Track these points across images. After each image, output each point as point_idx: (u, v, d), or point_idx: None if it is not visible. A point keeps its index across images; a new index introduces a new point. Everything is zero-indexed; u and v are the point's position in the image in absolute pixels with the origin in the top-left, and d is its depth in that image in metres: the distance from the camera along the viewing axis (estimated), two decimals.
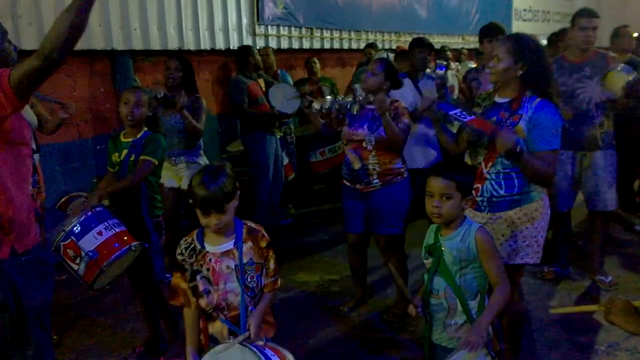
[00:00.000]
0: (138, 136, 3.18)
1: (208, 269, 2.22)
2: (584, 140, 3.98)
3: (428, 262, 2.32)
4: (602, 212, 4.15)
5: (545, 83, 2.62)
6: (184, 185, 4.22)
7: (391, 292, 4.06)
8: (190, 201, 2.17)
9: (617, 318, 1.89)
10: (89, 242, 2.85)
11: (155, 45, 5.53)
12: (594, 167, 4.03)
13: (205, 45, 6.00)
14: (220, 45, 6.14)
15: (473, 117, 2.61)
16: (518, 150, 2.40)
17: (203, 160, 4.42)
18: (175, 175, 4.37)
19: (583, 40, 3.93)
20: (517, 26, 10.71)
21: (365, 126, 3.50)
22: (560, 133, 2.60)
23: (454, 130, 3.07)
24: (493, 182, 2.65)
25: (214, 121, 6.38)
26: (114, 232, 2.92)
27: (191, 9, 5.83)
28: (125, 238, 2.94)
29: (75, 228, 2.87)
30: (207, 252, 2.23)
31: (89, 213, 2.93)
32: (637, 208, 5.91)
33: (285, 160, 5.88)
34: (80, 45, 4.63)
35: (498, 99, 2.72)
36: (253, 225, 2.32)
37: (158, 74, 5.73)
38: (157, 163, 3.15)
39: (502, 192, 2.66)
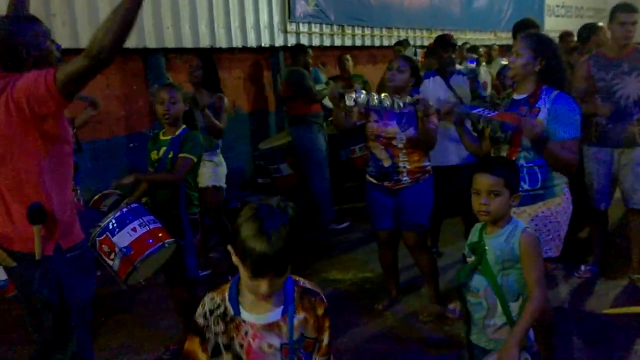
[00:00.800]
0: (176, 133, 3.20)
1: (241, 345, 1.63)
2: (622, 137, 3.93)
3: (471, 259, 2.29)
4: (639, 209, 4.06)
5: (561, 78, 2.73)
6: (204, 183, 4.25)
7: (425, 291, 4.02)
8: (234, 253, 1.56)
9: None
10: (123, 238, 2.88)
11: (187, 43, 5.58)
12: (632, 165, 3.97)
13: (237, 43, 6.04)
14: (252, 43, 6.17)
15: (496, 112, 2.67)
16: (544, 136, 2.47)
17: (218, 159, 4.46)
18: None
19: (622, 36, 3.87)
20: (550, 22, 10.55)
21: (395, 123, 3.47)
22: (579, 123, 2.66)
23: (475, 133, 3.09)
24: None
25: (245, 119, 6.41)
26: (148, 228, 2.95)
27: (223, 7, 5.87)
28: (159, 235, 2.96)
29: (110, 224, 2.90)
30: (244, 321, 1.64)
31: (125, 209, 2.96)
32: None
33: None
34: None
35: (516, 96, 2.80)
36: (308, 284, 1.76)
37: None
38: (195, 160, 3.17)
39: (525, 187, 2.68)
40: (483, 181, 2.17)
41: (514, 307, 2.19)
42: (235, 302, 1.65)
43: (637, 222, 4.14)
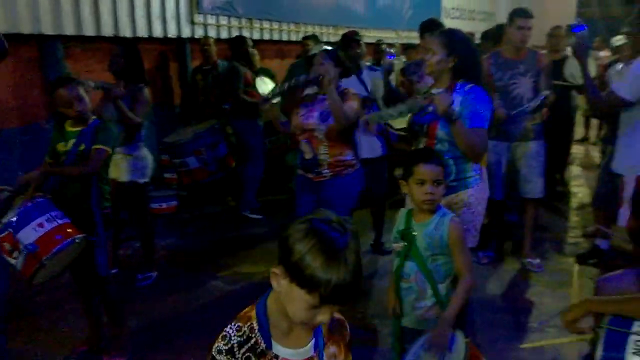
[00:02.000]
0: (87, 124, 3.06)
1: None
2: (517, 132, 4.22)
3: (399, 246, 2.37)
4: (532, 199, 4.41)
5: (475, 73, 2.87)
6: (123, 177, 4.09)
7: None
8: (287, 277, 1.31)
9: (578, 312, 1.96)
10: (29, 235, 2.73)
11: (88, 30, 5.30)
12: (526, 157, 4.28)
13: (141, 32, 5.82)
14: (157, 33, 5.98)
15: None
16: (454, 113, 2.59)
17: (143, 153, 4.26)
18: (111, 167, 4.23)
19: (519, 39, 4.15)
20: (446, 23, 10.97)
21: (316, 115, 3.53)
22: (488, 116, 2.80)
23: (396, 125, 3.21)
24: None
25: (150, 111, 6.19)
26: (57, 224, 2.81)
27: None
28: (68, 230, 2.83)
29: (12, 220, 2.74)
30: (276, 356, 1.41)
31: (29, 204, 2.80)
32: (559, 196, 6.26)
33: (224, 152, 5.83)
34: (5, 28, 4.43)
35: (434, 90, 2.89)
36: (335, 313, 1.44)
37: (91, 60, 5.53)
38: (110, 152, 3.05)
39: None
40: (428, 171, 2.27)
41: (442, 288, 2.33)
42: (267, 333, 1.40)
43: (530, 211, 4.49)
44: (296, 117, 3.63)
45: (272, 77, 6.62)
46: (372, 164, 4.44)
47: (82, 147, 3.00)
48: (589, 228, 5.12)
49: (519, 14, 4.19)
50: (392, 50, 5.70)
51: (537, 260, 4.46)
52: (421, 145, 2.86)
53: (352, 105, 3.52)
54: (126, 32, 5.65)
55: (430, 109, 2.80)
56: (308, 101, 3.63)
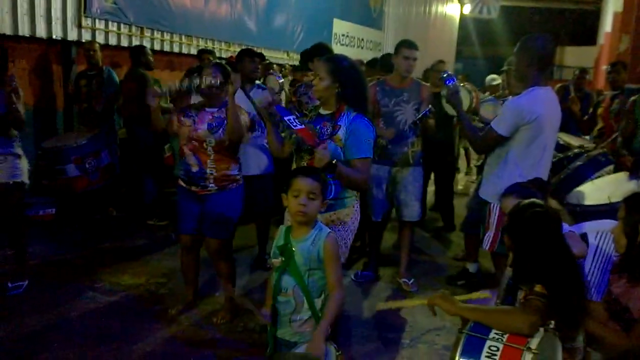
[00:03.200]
0: None
1: None
2: (398, 157, 4.46)
3: (277, 261, 2.45)
4: (409, 221, 4.66)
5: (358, 100, 2.98)
6: (2, 178, 3.88)
7: (220, 295, 4.13)
8: None
9: (441, 303, 2.26)
10: None
11: None
12: (405, 182, 4.52)
13: (24, 31, 5.54)
14: (41, 33, 5.71)
15: (302, 126, 2.85)
16: (333, 163, 2.68)
17: (20, 152, 4.05)
18: None
19: (405, 69, 4.41)
20: (336, 49, 11.33)
21: (205, 126, 3.54)
22: (372, 144, 2.94)
23: (283, 134, 3.32)
24: None
25: (29, 115, 5.88)
26: None
27: None
28: None
29: None
30: None
31: None
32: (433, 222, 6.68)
33: (107, 161, 5.69)
34: None
35: (322, 111, 3.03)
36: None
37: None
38: None
39: None
40: (304, 184, 2.37)
41: (318, 302, 2.42)
42: None
43: (405, 233, 4.73)
44: (181, 125, 3.61)
45: (161, 87, 6.54)
46: (258, 180, 4.52)
47: None
48: (460, 253, 5.44)
49: (406, 44, 4.44)
50: (279, 73, 5.85)
51: (412, 280, 4.68)
52: (304, 162, 2.96)
53: (243, 118, 3.58)
54: (7, 29, 5.36)
55: (317, 129, 2.93)
56: (193, 111, 3.61)
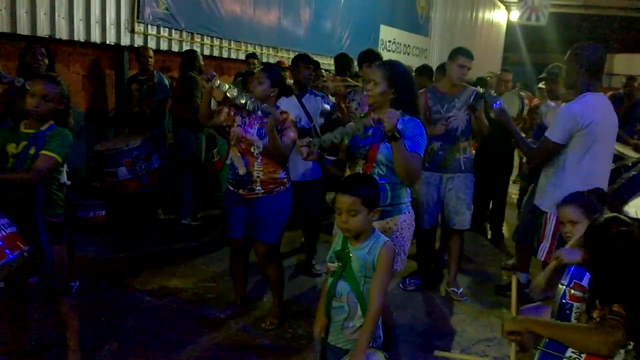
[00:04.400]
0: (41, 129, 2.84)
1: None
2: (449, 163, 4.39)
3: (334, 265, 2.42)
4: (459, 230, 4.57)
5: (413, 106, 2.97)
6: None
7: (268, 300, 4.10)
8: None
9: (513, 326, 2.09)
10: None
11: (24, 29, 5.13)
12: (455, 189, 4.44)
13: (79, 36, 5.67)
14: (95, 38, 5.83)
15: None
16: (399, 131, 2.67)
17: None
18: None
19: (458, 77, 4.35)
20: (383, 55, 11.36)
21: (255, 130, 3.54)
22: (424, 145, 2.92)
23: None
24: None
25: (82, 117, 6.02)
26: (4, 233, 2.56)
27: None
28: (17, 240, 2.59)
29: None
30: None
31: None
32: (484, 230, 6.55)
33: (157, 164, 5.76)
34: None
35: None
36: None
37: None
38: (60, 160, 2.81)
39: None
40: (343, 201, 2.34)
41: None
42: None
43: (455, 241, 4.64)
44: (231, 120, 3.61)
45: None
46: (307, 186, 4.49)
47: (33, 151, 2.77)
48: (509, 261, 5.36)
49: (463, 53, 4.37)
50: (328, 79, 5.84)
51: (461, 290, 4.61)
52: (359, 169, 2.92)
53: (290, 135, 3.55)
54: (63, 34, 5.49)
55: (370, 132, 2.91)
56: (246, 112, 3.60)
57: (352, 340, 2.39)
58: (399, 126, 2.81)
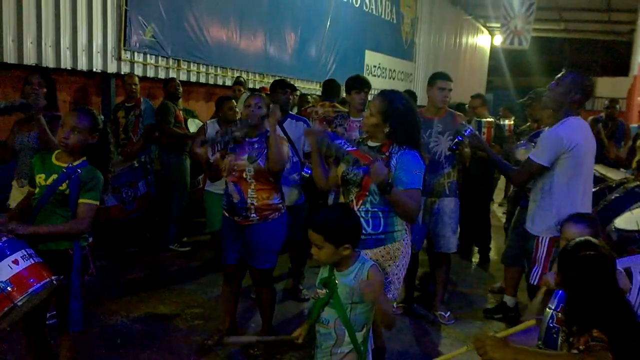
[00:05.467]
0: (74, 164, 2.83)
1: None
2: (434, 188, 4.42)
3: (322, 292, 2.43)
4: (445, 253, 4.59)
5: (408, 139, 2.94)
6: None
7: (256, 327, 4.09)
8: None
9: (496, 354, 2.06)
10: (2, 272, 2.47)
11: (10, 58, 5.16)
12: (441, 213, 4.46)
13: (66, 64, 5.70)
14: (82, 66, 5.86)
15: (355, 148, 2.87)
16: (389, 181, 2.68)
17: None
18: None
19: (440, 100, 4.42)
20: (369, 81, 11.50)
21: (245, 156, 3.57)
22: (422, 176, 2.91)
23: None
24: (362, 220, 2.83)
25: None
26: (32, 262, 2.55)
27: (53, 24, 5.51)
28: (43, 270, 2.58)
29: None
30: None
31: (4, 238, 2.55)
32: (470, 253, 6.60)
33: (143, 190, 5.76)
34: None
35: (370, 143, 3.02)
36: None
37: (8, 88, 5.35)
38: (98, 204, 2.82)
39: (369, 230, 2.88)
40: (310, 234, 2.38)
41: (360, 336, 2.38)
42: None
43: (442, 265, 4.66)
44: (225, 160, 3.65)
45: (195, 117, 6.71)
46: (290, 210, 4.50)
47: (64, 186, 2.77)
48: (496, 285, 5.39)
49: (440, 77, 4.47)
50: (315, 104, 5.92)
51: (448, 313, 4.61)
52: (352, 197, 2.94)
53: (284, 149, 3.58)
54: (49, 62, 5.52)
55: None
56: (236, 143, 3.65)
57: None
58: (394, 156, 2.86)
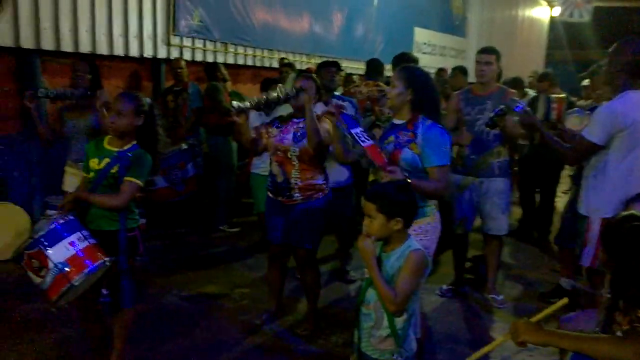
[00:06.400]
0: (124, 148, 2.92)
1: None
2: (483, 167, 4.30)
3: (367, 272, 2.42)
4: (496, 235, 4.48)
5: (432, 107, 2.97)
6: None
7: (303, 306, 4.14)
8: None
9: (528, 337, 2.05)
10: (60, 253, 2.57)
11: (67, 46, 5.35)
12: (490, 194, 4.34)
13: (118, 51, 5.87)
14: (134, 52, 6.03)
15: (371, 142, 2.84)
16: (407, 181, 2.65)
17: None
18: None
19: (477, 74, 4.32)
20: (417, 58, 11.32)
21: (290, 136, 3.59)
22: (448, 151, 2.93)
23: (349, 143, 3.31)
24: None
25: None
26: (87, 243, 2.67)
27: (105, 13, 5.69)
28: (98, 251, 2.70)
29: (43, 236, 2.59)
30: None
31: (60, 221, 2.66)
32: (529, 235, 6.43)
33: (192, 172, 5.89)
34: None
35: (396, 121, 3.03)
36: None
37: (67, 76, 5.53)
38: (142, 185, 2.90)
39: None
40: (364, 204, 2.36)
41: (399, 321, 2.32)
42: None
43: (492, 247, 4.54)
44: (269, 136, 3.68)
45: (243, 100, 6.73)
46: (339, 191, 4.52)
47: (115, 169, 2.85)
48: (557, 266, 5.11)
49: (481, 50, 4.38)
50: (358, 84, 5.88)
51: (501, 297, 4.52)
52: (381, 173, 2.89)
53: (325, 126, 3.54)
54: (103, 49, 5.69)
55: (392, 138, 2.93)
56: (281, 122, 3.68)
57: (379, 350, 2.37)
58: (420, 133, 2.86)
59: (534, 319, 2.23)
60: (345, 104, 4.70)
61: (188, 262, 5.18)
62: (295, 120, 3.64)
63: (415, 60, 4.79)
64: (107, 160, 2.88)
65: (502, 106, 3.84)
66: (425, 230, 2.91)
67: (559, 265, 5.11)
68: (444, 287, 4.66)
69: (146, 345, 3.58)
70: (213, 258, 5.33)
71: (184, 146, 5.82)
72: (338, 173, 4.52)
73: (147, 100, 3.07)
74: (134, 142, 2.96)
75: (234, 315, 4.08)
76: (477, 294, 4.67)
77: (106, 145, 2.96)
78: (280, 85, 3.65)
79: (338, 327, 3.90)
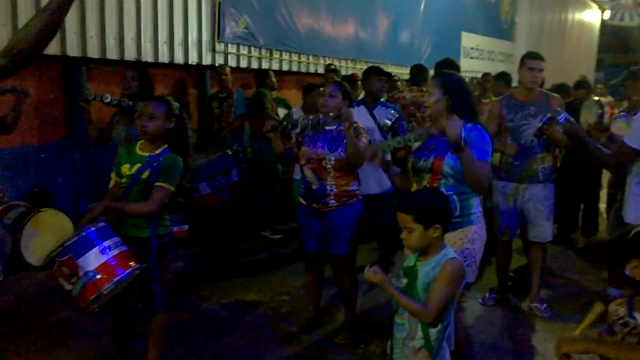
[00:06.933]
0: (156, 152, 2.91)
1: None
2: (526, 173, 4.20)
3: (403, 282, 2.37)
4: (539, 242, 4.36)
5: (470, 112, 2.94)
6: None
7: (341, 314, 4.08)
8: None
9: (568, 348, 1.98)
10: (90, 261, 2.58)
11: (112, 54, 5.46)
12: (534, 200, 4.24)
13: (163, 58, 5.96)
14: (179, 59, 6.12)
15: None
16: (464, 140, 2.65)
17: None
18: None
19: (530, 80, 4.20)
20: (465, 63, 11.15)
21: (325, 146, 3.56)
22: (490, 151, 2.89)
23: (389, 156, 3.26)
24: None
25: None
26: (118, 251, 2.68)
27: (151, 20, 5.80)
28: (129, 259, 2.71)
29: (75, 243, 2.61)
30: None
31: (92, 228, 2.67)
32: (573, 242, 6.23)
33: (236, 178, 5.91)
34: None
35: (435, 129, 2.97)
36: None
37: (112, 84, 5.66)
38: (174, 190, 2.90)
39: None
40: (398, 217, 2.31)
41: (434, 332, 2.26)
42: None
43: (536, 254, 4.42)
44: (302, 145, 3.66)
45: (287, 107, 6.76)
46: (379, 199, 4.46)
47: (146, 175, 2.85)
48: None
49: (530, 56, 4.27)
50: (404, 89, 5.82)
51: (544, 306, 4.39)
52: (424, 182, 2.89)
53: (364, 140, 3.55)
54: (148, 57, 5.79)
55: (433, 146, 2.89)
56: (311, 131, 3.64)
57: None
58: (463, 134, 2.75)
59: (577, 331, 2.20)
60: (389, 110, 4.64)
61: (229, 268, 5.20)
62: (327, 128, 3.60)
63: (457, 67, 4.69)
64: (138, 165, 2.89)
65: (548, 115, 3.72)
66: (472, 239, 2.85)
67: (606, 274, 4.98)
68: (487, 295, 4.54)
69: (182, 351, 3.59)
70: (254, 265, 5.34)
71: (229, 152, 5.86)
72: (379, 179, 4.45)
73: (177, 104, 3.08)
74: (165, 146, 2.96)
75: (273, 323, 4.06)
76: (520, 302, 4.55)
77: (138, 151, 2.97)
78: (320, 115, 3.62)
79: (377, 336, 3.81)
